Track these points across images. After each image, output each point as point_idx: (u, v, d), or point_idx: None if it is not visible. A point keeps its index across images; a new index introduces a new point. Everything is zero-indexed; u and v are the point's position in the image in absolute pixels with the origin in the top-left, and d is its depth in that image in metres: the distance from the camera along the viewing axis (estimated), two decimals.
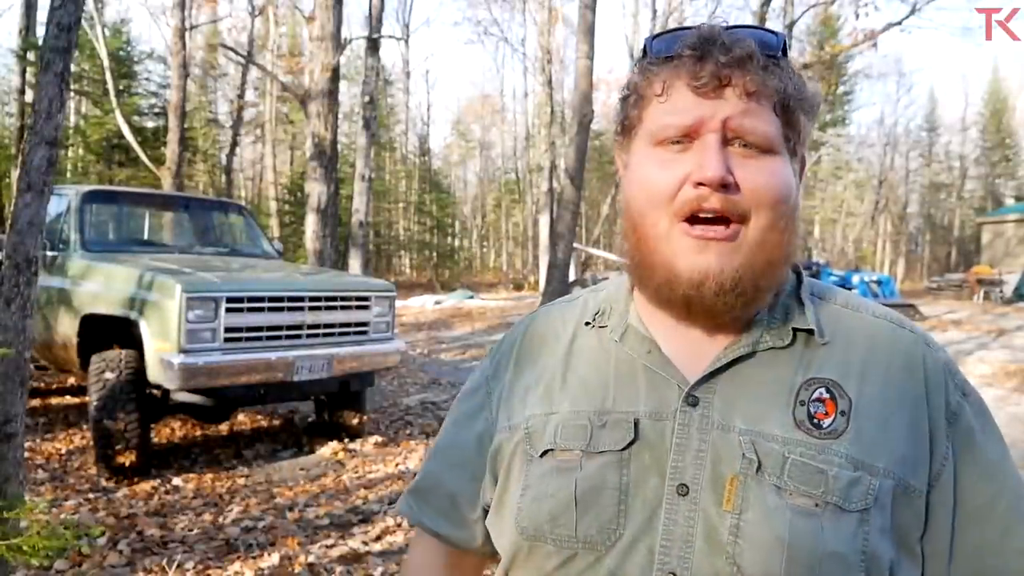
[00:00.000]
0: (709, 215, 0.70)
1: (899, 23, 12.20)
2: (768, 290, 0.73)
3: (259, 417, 5.95)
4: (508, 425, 0.81)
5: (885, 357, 0.73)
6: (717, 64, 0.69)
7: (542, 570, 0.72)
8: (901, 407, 0.71)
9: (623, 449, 0.72)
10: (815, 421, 0.69)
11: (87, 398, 4.40)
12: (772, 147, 0.71)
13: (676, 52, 0.72)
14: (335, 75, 9.30)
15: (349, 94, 27.81)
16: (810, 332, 0.74)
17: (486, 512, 0.82)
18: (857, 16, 13.10)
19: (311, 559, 3.15)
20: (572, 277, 12.78)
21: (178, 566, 3.02)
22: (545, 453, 0.75)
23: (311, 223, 9.06)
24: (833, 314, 0.77)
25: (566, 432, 0.75)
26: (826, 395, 0.70)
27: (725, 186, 0.69)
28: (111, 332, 4.50)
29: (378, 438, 5.24)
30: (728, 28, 0.72)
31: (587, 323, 0.83)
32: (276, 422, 5.87)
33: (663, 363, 0.75)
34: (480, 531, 0.84)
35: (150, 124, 20.24)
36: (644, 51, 0.77)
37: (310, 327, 4.61)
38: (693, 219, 0.70)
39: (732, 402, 0.71)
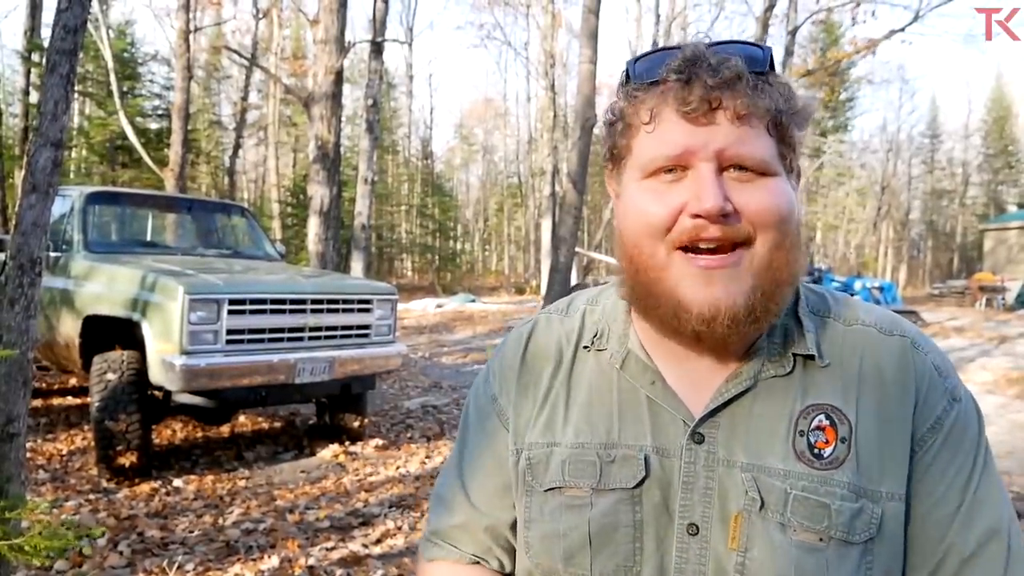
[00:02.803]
0: (710, 245, 0.67)
1: (902, 30, 12.20)
2: (778, 313, 0.71)
3: (260, 419, 5.95)
4: (515, 448, 0.80)
5: (878, 370, 0.72)
6: (705, 87, 0.66)
7: None
8: (897, 421, 0.70)
9: (635, 487, 0.71)
10: (816, 451, 0.68)
11: (89, 399, 4.40)
12: (769, 169, 0.69)
13: (661, 77, 0.68)
14: (339, 78, 9.32)
15: (352, 97, 27.87)
16: (810, 356, 0.72)
17: None
18: (853, 22, 13.11)
19: (311, 562, 3.14)
20: (574, 281, 12.79)
21: (178, 567, 3.02)
22: (552, 489, 0.74)
23: (313, 226, 9.08)
24: (829, 330, 0.75)
25: (575, 468, 0.73)
26: (826, 422, 0.69)
27: (725, 215, 0.66)
28: (113, 333, 4.50)
29: (379, 441, 5.24)
30: (712, 45, 0.69)
31: (585, 347, 0.81)
32: (277, 424, 5.87)
33: (668, 396, 0.73)
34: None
35: (154, 126, 20.32)
36: (627, 75, 0.73)
37: (312, 329, 4.61)
38: (694, 249, 0.68)
39: (735, 436, 0.71)
